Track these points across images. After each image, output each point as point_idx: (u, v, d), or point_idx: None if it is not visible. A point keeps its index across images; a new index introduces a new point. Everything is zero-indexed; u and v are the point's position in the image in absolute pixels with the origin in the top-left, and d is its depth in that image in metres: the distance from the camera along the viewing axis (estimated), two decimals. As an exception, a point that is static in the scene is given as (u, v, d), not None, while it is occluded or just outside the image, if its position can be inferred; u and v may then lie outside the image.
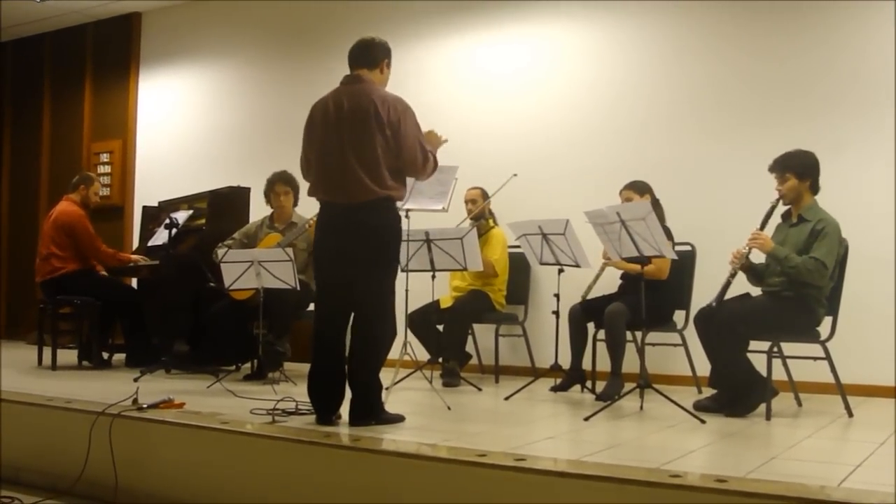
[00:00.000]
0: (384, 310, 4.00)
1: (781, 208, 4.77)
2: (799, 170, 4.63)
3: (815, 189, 4.69)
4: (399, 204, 4.76)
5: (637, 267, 4.72)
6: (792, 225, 4.69)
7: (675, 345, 5.59)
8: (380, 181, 3.91)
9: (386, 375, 4.13)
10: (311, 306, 5.38)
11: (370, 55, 4.11)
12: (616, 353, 5.14)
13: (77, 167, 9.40)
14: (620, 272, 5.64)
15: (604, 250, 5.29)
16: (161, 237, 6.57)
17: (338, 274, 3.98)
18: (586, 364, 5.44)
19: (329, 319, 4.04)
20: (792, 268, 4.46)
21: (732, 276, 4.58)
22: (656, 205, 5.44)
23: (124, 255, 7.02)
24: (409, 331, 5.49)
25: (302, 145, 4.17)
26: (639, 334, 5.36)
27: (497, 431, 4.03)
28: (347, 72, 4.14)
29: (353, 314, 4.04)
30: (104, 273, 6.91)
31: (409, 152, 3.99)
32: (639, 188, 5.52)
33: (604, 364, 5.30)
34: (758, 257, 4.73)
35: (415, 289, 5.26)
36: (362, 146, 3.90)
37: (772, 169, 4.70)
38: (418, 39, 7.40)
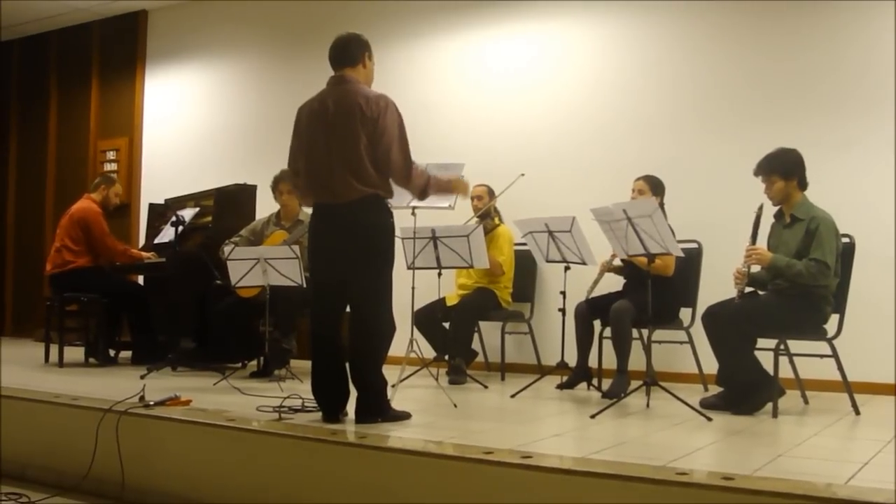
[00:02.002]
0: (380, 307, 3.99)
1: (771, 209, 4.75)
2: (783, 170, 4.60)
3: (802, 186, 4.65)
4: (405, 201, 4.77)
5: (644, 260, 4.70)
6: (786, 226, 4.67)
7: (681, 342, 5.58)
8: (365, 179, 3.90)
9: (392, 373, 4.14)
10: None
11: (348, 53, 4.09)
12: (622, 351, 5.13)
13: (84, 165, 9.46)
14: (625, 270, 5.63)
15: (603, 262, 5.34)
16: (167, 235, 6.60)
17: (331, 273, 3.99)
18: (592, 361, 5.44)
19: (325, 319, 4.05)
20: (795, 274, 4.45)
21: (741, 295, 4.56)
22: (661, 210, 5.43)
23: (135, 251, 7.06)
24: (415, 328, 5.50)
25: (291, 148, 4.15)
26: (645, 332, 5.35)
27: (503, 429, 4.04)
28: None
29: (348, 312, 4.06)
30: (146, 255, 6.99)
31: (385, 148, 3.91)
32: (653, 184, 5.51)
33: (610, 361, 5.30)
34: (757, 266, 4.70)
35: (421, 286, 5.26)
36: (346, 145, 3.89)
37: (756, 173, 4.67)
38: (424, 37, 7.40)
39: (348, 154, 3.90)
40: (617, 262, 5.53)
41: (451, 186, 4.28)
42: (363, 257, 3.92)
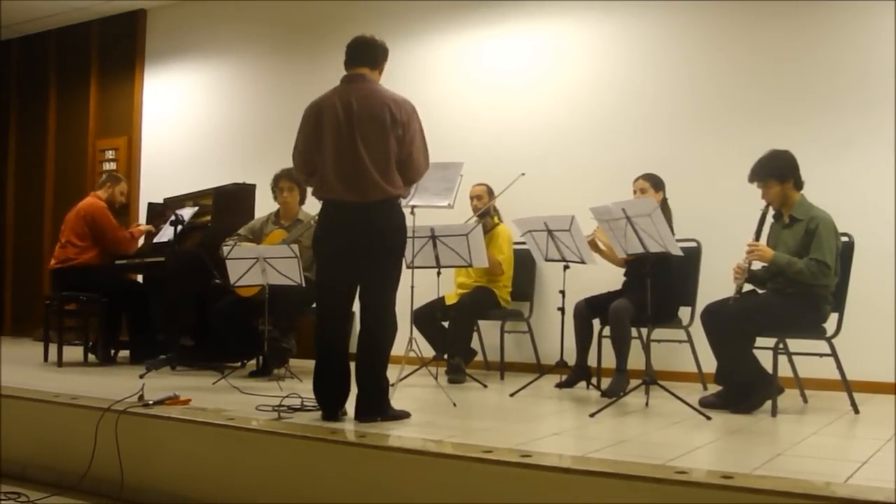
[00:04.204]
0: (389, 307, 4.02)
1: (772, 210, 4.75)
2: (778, 174, 4.60)
3: (798, 186, 4.65)
4: (405, 200, 4.78)
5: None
6: (785, 226, 4.67)
7: (680, 341, 5.58)
8: (391, 180, 3.93)
9: (391, 372, 4.14)
10: (316, 303, 5.38)
11: (372, 55, 4.10)
12: (621, 350, 5.13)
13: (83, 164, 9.46)
14: (624, 269, 5.63)
15: (589, 240, 5.32)
16: (166, 234, 6.59)
17: (343, 272, 3.99)
18: (591, 360, 5.44)
19: (331, 317, 4.05)
20: (796, 273, 4.45)
21: (739, 291, 4.56)
22: (664, 205, 5.43)
23: (135, 229, 7.05)
24: (414, 327, 5.50)
25: (301, 144, 4.11)
26: (644, 331, 5.36)
27: (502, 428, 4.03)
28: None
29: (356, 311, 4.06)
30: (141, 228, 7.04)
31: (415, 153, 4.01)
32: (654, 182, 5.50)
33: (609, 360, 5.30)
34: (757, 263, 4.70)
35: (420, 285, 5.26)
36: (376, 146, 3.91)
37: (751, 179, 4.66)
38: (423, 36, 7.40)
39: (378, 155, 3.91)
40: (602, 246, 5.53)
41: None
42: (380, 258, 3.94)
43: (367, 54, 4.09)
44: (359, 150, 3.91)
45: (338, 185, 3.97)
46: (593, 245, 5.44)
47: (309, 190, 4.69)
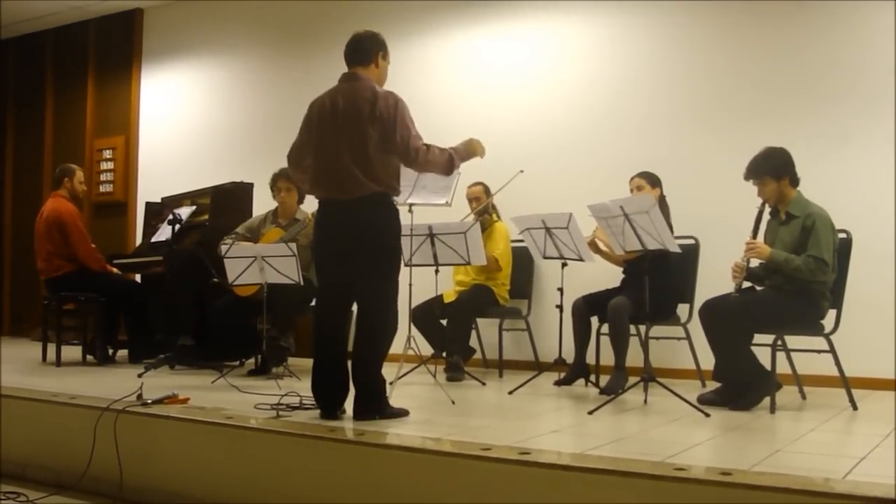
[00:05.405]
0: (386, 305, 4.00)
1: (769, 207, 4.75)
2: (773, 171, 4.60)
3: (794, 183, 4.65)
4: (402, 198, 4.77)
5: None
6: (782, 223, 4.67)
7: (678, 338, 5.59)
8: (374, 176, 3.91)
9: (390, 370, 4.14)
10: (315, 302, 5.39)
11: (362, 51, 4.10)
12: (620, 347, 5.13)
13: (80, 164, 9.36)
14: (622, 267, 5.63)
15: (589, 242, 5.31)
16: (164, 233, 6.59)
17: (338, 271, 3.99)
18: (590, 358, 5.44)
19: (330, 316, 4.05)
20: (794, 269, 4.46)
21: (739, 289, 4.56)
22: (662, 202, 5.43)
23: (109, 266, 6.92)
24: (412, 325, 5.50)
25: (297, 140, 4.16)
26: (642, 328, 5.36)
27: (501, 425, 4.04)
28: None
29: (354, 310, 4.06)
30: (115, 270, 6.94)
31: (401, 141, 3.93)
32: (651, 180, 5.50)
33: (607, 358, 5.29)
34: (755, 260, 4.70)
35: (418, 283, 5.26)
36: (356, 142, 3.91)
37: (747, 177, 4.67)
38: (421, 35, 7.40)
39: (357, 151, 3.90)
40: (602, 247, 5.53)
41: (472, 151, 4.26)
42: (371, 255, 3.93)
43: (357, 52, 4.11)
44: (340, 147, 3.92)
45: (323, 182, 4.01)
46: (594, 246, 5.44)
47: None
